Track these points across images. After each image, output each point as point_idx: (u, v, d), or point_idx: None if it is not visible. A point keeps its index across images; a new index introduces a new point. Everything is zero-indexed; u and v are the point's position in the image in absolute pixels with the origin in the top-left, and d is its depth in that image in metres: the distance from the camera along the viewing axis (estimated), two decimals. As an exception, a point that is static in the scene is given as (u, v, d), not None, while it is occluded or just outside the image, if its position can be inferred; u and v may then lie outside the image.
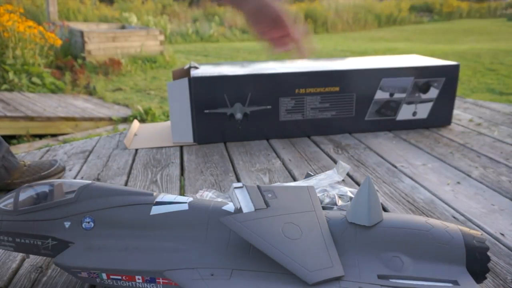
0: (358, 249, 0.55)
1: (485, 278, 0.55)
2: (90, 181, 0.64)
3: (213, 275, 0.52)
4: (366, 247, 0.55)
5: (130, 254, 0.57)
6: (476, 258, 0.54)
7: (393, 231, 0.56)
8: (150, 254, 0.56)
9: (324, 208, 0.82)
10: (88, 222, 0.60)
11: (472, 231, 0.57)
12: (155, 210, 0.60)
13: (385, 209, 0.90)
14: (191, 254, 0.56)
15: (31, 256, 0.73)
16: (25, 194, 0.63)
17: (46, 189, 0.64)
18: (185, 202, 0.61)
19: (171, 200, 0.62)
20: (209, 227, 0.58)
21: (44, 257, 0.73)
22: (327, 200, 0.84)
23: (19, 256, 0.74)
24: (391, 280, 0.52)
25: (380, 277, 0.53)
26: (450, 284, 0.52)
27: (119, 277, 0.57)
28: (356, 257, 0.55)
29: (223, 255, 0.56)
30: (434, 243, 0.55)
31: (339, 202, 0.84)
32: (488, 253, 0.55)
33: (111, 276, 0.57)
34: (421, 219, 0.58)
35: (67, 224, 0.60)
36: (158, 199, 0.61)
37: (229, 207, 0.61)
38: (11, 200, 0.62)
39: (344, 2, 9.70)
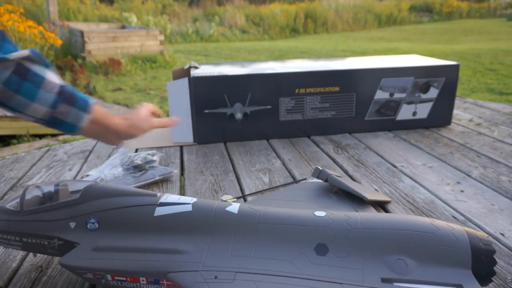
0: (362, 251, 0.55)
1: (491, 281, 0.54)
2: (94, 182, 0.64)
3: (217, 278, 0.52)
4: (370, 249, 0.55)
5: (134, 256, 0.57)
6: (482, 261, 0.53)
7: (398, 233, 0.55)
8: (154, 256, 0.56)
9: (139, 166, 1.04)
10: (93, 223, 0.60)
11: (478, 233, 0.56)
12: (159, 211, 0.60)
13: (385, 209, 0.91)
14: (194, 256, 0.56)
15: (31, 255, 0.73)
16: (31, 194, 0.63)
17: (51, 189, 0.64)
18: (189, 203, 0.61)
19: (175, 201, 0.61)
20: (213, 228, 0.58)
21: (44, 257, 0.73)
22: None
23: (19, 255, 0.74)
24: (395, 283, 0.52)
25: (384, 280, 0.52)
26: None
27: (124, 279, 0.57)
28: (360, 259, 0.54)
29: (226, 257, 0.55)
30: (440, 246, 0.54)
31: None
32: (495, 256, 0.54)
33: (116, 278, 0.57)
34: (426, 220, 0.57)
35: (72, 225, 0.60)
36: (162, 200, 0.61)
37: (233, 208, 0.61)
38: (18, 200, 0.62)
39: (344, 2, 9.69)
